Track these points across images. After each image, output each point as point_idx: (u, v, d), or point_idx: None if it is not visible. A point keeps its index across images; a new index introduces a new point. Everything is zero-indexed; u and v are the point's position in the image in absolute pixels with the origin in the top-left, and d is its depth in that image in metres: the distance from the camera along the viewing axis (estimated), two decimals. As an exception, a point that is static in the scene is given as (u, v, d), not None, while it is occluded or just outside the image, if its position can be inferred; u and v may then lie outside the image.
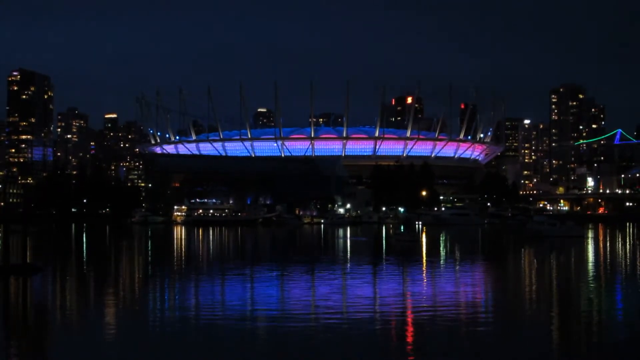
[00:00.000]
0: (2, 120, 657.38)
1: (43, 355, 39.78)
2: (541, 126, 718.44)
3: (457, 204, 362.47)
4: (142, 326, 46.72)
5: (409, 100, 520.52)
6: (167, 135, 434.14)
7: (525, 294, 64.34)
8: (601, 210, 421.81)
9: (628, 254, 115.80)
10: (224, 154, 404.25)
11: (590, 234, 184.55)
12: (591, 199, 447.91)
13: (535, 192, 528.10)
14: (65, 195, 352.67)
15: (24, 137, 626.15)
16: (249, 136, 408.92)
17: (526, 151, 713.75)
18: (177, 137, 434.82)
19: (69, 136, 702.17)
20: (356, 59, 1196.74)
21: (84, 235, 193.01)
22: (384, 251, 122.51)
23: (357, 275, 77.98)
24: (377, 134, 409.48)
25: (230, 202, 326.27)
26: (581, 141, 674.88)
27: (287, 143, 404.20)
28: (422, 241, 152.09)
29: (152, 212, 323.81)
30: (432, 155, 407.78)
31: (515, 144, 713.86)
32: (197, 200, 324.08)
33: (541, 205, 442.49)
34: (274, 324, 46.15)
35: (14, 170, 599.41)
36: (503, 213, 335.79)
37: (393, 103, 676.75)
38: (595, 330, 46.02)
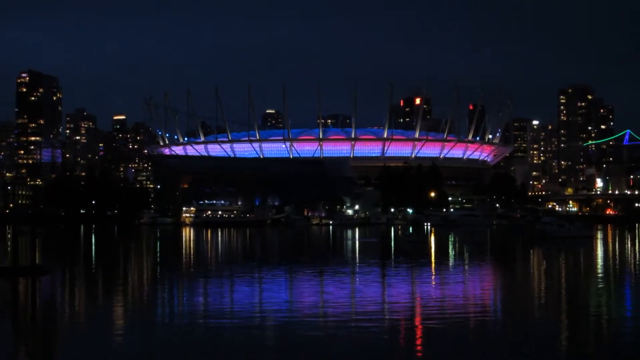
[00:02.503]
0: (11, 121, 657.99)
1: (51, 356, 39.84)
2: (550, 127, 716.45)
3: (466, 205, 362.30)
4: (150, 328, 46.72)
5: (417, 101, 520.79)
6: (176, 137, 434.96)
7: (534, 295, 64.22)
8: (609, 211, 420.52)
9: (637, 255, 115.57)
10: (232, 155, 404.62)
11: (599, 235, 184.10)
12: (600, 200, 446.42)
13: (543, 192, 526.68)
14: (73, 196, 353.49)
15: (32, 138, 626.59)
16: (258, 137, 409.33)
17: (535, 152, 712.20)
18: (186, 139, 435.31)
19: (77, 137, 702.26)
20: (364, 60, 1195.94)
21: (93, 236, 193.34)
22: (392, 252, 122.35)
23: (366, 277, 77.93)
24: (385, 135, 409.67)
25: (239, 203, 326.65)
26: (590, 142, 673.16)
27: (295, 144, 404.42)
28: (430, 242, 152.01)
29: (161, 213, 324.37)
30: (441, 157, 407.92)
31: (523, 145, 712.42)
32: (206, 201, 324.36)
33: (550, 206, 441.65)
34: (283, 326, 46.15)
35: (23, 171, 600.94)
36: (512, 214, 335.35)
37: (401, 104, 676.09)
38: (604, 332, 45.88)
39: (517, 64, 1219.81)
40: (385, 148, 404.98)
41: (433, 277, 78.36)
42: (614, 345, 40.88)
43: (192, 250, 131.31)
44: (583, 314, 51.44)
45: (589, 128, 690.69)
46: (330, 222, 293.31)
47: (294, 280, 74.15)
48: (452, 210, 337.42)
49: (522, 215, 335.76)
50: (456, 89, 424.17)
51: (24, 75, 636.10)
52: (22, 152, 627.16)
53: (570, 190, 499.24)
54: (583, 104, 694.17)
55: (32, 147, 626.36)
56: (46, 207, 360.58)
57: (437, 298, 60.47)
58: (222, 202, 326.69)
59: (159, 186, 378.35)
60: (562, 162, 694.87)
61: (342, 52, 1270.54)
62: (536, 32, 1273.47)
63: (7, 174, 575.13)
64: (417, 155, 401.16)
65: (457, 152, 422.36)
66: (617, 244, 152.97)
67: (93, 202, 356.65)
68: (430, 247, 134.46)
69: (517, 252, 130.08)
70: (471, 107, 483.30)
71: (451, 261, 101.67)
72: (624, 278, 78.04)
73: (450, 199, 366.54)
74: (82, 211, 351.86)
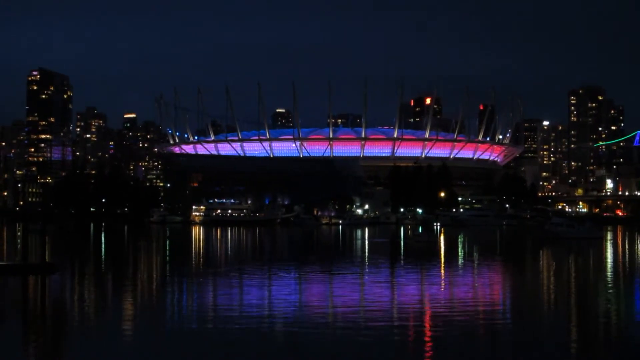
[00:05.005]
0: (22, 119, 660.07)
1: (60, 354, 39.89)
2: (560, 127, 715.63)
3: (476, 205, 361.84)
4: (158, 327, 46.72)
5: (428, 101, 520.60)
6: (186, 135, 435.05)
7: (543, 296, 64.09)
8: (619, 212, 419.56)
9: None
10: (242, 154, 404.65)
11: (608, 236, 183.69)
12: (610, 201, 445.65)
13: (553, 193, 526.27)
14: (83, 194, 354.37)
15: (43, 136, 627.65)
16: (268, 137, 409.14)
17: (545, 152, 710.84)
18: (196, 137, 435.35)
19: (87, 136, 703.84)
20: (374, 59, 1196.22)
21: (103, 234, 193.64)
22: (402, 252, 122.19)
23: (376, 278, 77.88)
24: (395, 135, 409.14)
25: (249, 202, 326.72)
26: (600, 143, 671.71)
27: (305, 144, 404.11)
28: (440, 242, 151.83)
29: (171, 211, 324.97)
30: (451, 157, 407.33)
31: (534, 146, 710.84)
32: (216, 200, 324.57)
33: (559, 206, 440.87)
34: (291, 328, 46.16)
35: (33, 169, 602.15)
36: (521, 214, 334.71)
37: (412, 104, 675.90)
38: (613, 334, 45.74)
39: (527, 64, 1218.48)
40: (395, 148, 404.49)
41: (442, 278, 78.23)
42: (625, 351, 40.70)
43: (201, 249, 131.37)
44: (593, 318, 51.30)
45: (600, 129, 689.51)
46: (340, 221, 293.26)
47: (303, 281, 74.09)
48: (461, 210, 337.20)
49: (532, 215, 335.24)
50: (466, 89, 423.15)
51: (34, 73, 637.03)
52: (32, 150, 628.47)
53: (580, 191, 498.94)
54: (593, 104, 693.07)
55: (43, 145, 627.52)
56: (56, 205, 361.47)
57: (447, 300, 60.39)
58: (232, 201, 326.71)
59: (168, 185, 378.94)
60: (572, 163, 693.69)
61: (353, 52, 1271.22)
62: (547, 32, 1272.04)
63: (18, 172, 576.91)
64: (427, 155, 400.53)
65: (467, 152, 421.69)
66: (627, 245, 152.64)
67: (103, 200, 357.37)
68: (440, 248, 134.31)
69: (526, 252, 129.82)
70: (481, 107, 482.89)
71: (461, 262, 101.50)
72: (635, 280, 77.83)
73: (460, 199, 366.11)
74: (92, 209, 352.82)
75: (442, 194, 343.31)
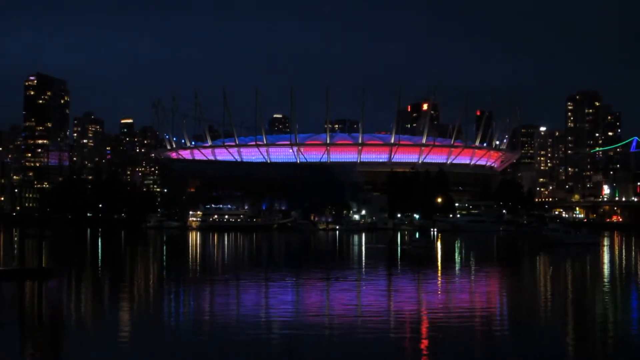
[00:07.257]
0: (19, 124, 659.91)
1: (57, 359, 39.90)
2: (557, 133, 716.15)
3: (473, 211, 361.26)
4: (155, 332, 46.73)
5: (425, 106, 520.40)
6: (183, 141, 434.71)
7: (540, 302, 64.12)
8: (616, 218, 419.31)
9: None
10: (239, 159, 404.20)
11: (605, 242, 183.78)
12: (607, 207, 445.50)
13: (550, 199, 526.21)
14: (80, 199, 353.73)
15: (40, 141, 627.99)
16: (265, 142, 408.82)
17: (542, 158, 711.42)
18: (193, 143, 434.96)
19: (85, 141, 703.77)
20: (371, 65, 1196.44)
21: (99, 239, 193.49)
22: (399, 258, 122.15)
23: (373, 284, 77.89)
24: (392, 141, 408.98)
25: (246, 207, 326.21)
26: (597, 149, 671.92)
27: (302, 149, 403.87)
28: (437, 248, 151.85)
29: (168, 217, 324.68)
30: (448, 162, 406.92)
31: (531, 151, 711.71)
32: (213, 205, 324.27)
33: (556, 212, 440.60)
34: (288, 333, 46.20)
35: (30, 174, 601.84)
36: (518, 220, 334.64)
37: (409, 109, 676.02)
38: (610, 338, 45.76)
39: (524, 70, 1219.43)
40: (393, 153, 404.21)
41: (439, 284, 78.27)
42: (622, 355, 40.74)
43: (198, 255, 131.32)
44: (590, 325, 51.35)
45: (597, 135, 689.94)
46: (337, 227, 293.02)
47: (300, 287, 74.12)
48: (458, 216, 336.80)
49: (529, 221, 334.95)
50: (464, 94, 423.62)
51: (32, 78, 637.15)
52: (29, 155, 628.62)
53: (577, 197, 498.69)
54: (590, 110, 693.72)
55: (40, 150, 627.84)
56: (53, 211, 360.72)
57: (443, 306, 60.45)
58: (229, 206, 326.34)
59: (165, 190, 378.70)
60: (569, 169, 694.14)
61: (350, 57, 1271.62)
62: (544, 38, 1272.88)
63: (15, 177, 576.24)
64: (424, 160, 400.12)
65: (464, 158, 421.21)
66: (623, 251, 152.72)
67: (100, 205, 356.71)
68: (437, 254, 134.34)
69: (523, 258, 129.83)
70: (478, 113, 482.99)
71: (458, 268, 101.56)
72: (631, 287, 77.87)
73: (457, 204, 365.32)
74: (89, 214, 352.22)
75: (439, 200, 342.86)
